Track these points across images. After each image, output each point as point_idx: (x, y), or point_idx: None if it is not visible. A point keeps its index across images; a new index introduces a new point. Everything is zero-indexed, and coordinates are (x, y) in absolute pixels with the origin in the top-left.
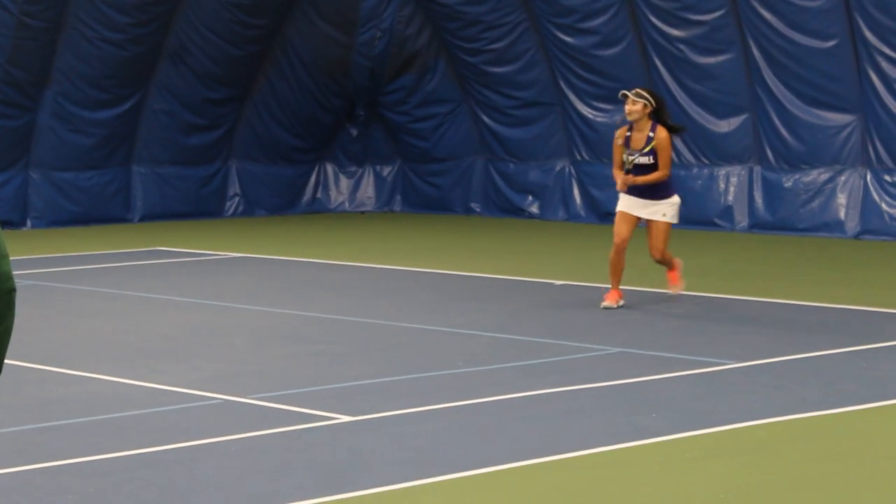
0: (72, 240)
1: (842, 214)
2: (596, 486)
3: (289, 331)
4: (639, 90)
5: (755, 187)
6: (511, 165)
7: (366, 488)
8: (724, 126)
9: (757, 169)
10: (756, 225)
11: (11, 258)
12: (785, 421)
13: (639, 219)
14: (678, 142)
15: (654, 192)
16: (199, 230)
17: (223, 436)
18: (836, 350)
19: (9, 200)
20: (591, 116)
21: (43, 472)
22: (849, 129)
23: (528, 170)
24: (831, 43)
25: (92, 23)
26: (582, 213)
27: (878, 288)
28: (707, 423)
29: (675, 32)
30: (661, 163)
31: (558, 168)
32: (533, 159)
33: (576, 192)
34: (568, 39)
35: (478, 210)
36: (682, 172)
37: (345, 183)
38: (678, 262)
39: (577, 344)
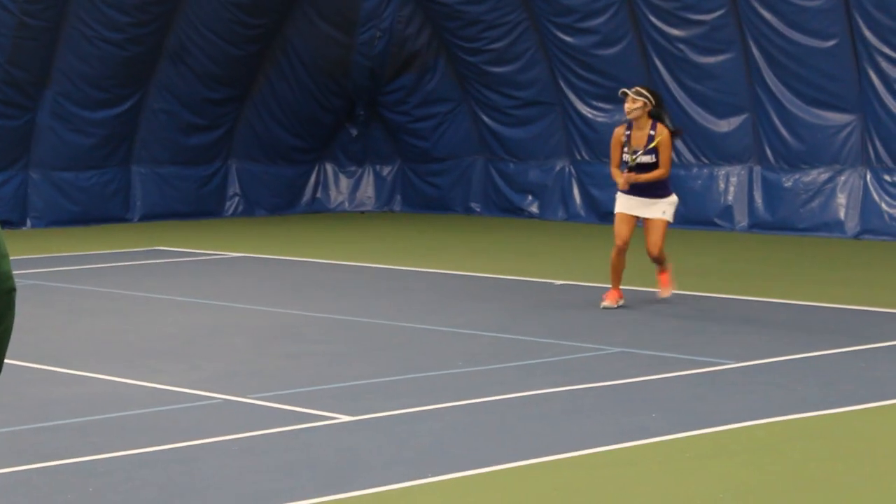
0: (71, 239)
1: (841, 214)
2: (596, 485)
3: (289, 330)
4: (638, 88)
5: (755, 187)
6: (511, 165)
7: (365, 488)
8: (724, 126)
9: (757, 169)
10: (756, 225)
11: (11, 258)
12: (784, 421)
13: (637, 218)
14: (678, 141)
15: (653, 190)
16: (199, 230)
17: (223, 435)
18: (836, 350)
19: (8, 200)
20: (590, 116)
21: (43, 472)
22: (848, 129)
23: (528, 169)
24: (831, 43)
25: (92, 22)
26: (582, 212)
27: (877, 288)
28: (706, 422)
29: (675, 32)
30: (661, 161)
31: (558, 168)
32: (533, 159)
33: (575, 191)
34: (568, 39)
35: (477, 210)
36: (682, 172)
37: (345, 183)
38: (670, 265)
39: (577, 344)
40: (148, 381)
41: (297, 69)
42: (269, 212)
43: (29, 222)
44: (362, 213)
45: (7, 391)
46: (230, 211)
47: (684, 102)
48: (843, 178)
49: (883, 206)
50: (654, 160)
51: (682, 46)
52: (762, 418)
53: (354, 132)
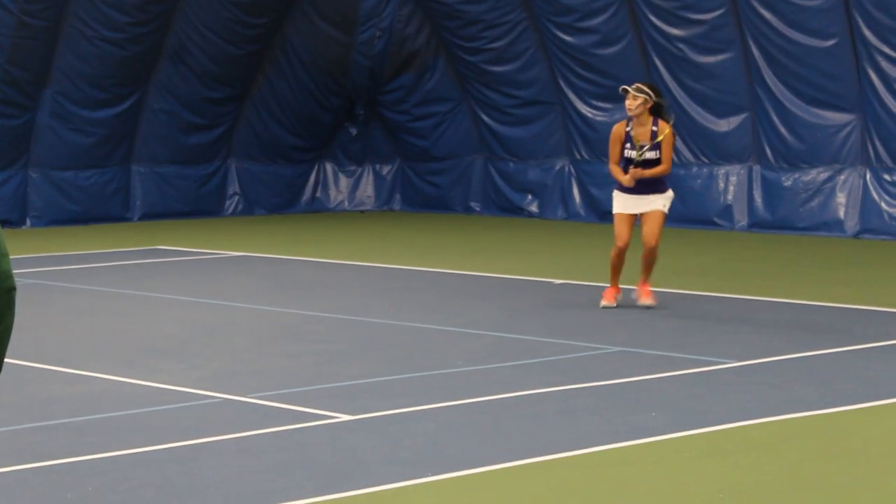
0: (71, 239)
1: (841, 213)
2: (593, 485)
3: (288, 330)
4: (639, 85)
5: (755, 186)
6: (510, 164)
7: (364, 487)
8: (724, 125)
9: (756, 168)
10: (755, 224)
11: (11, 257)
12: (781, 420)
13: (636, 216)
14: (678, 141)
15: (653, 186)
16: (199, 229)
17: (222, 435)
18: (834, 349)
19: (8, 199)
20: (590, 115)
21: (42, 471)
22: (848, 129)
23: (528, 169)
24: (831, 42)
25: (92, 22)
26: (581, 211)
27: (877, 287)
28: (704, 422)
29: (675, 31)
30: (664, 157)
31: (558, 167)
32: (532, 158)
33: (575, 191)
34: (567, 38)
35: (477, 209)
36: (682, 171)
37: (344, 182)
38: (650, 280)
39: (576, 343)
40: (147, 381)
41: (296, 68)
42: (269, 211)
43: (28, 221)
44: (362, 212)
45: (6, 390)
46: (230, 210)
47: (684, 102)
48: (842, 177)
49: (882, 205)
50: (656, 156)
51: (681, 46)
52: (759, 418)
53: (354, 131)
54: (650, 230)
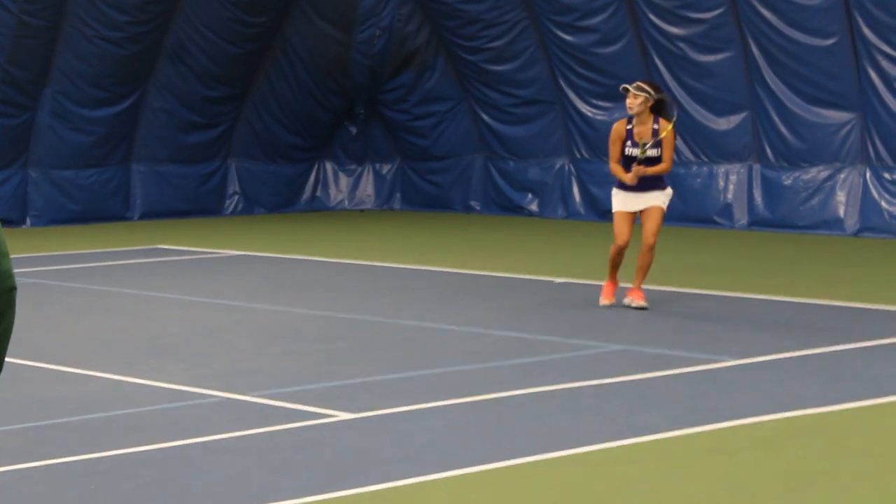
0: (71, 238)
1: (841, 212)
2: (595, 483)
3: (289, 329)
4: (640, 83)
5: (755, 185)
6: (510, 163)
7: (366, 486)
8: (724, 124)
9: (756, 167)
10: (755, 223)
11: (11, 256)
12: (783, 418)
13: (635, 215)
14: (678, 140)
15: (653, 183)
16: (199, 228)
17: (222, 433)
18: (835, 347)
19: (8, 199)
20: (590, 114)
21: (43, 471)
22: (848, 127)
23: (528, 168)
24: (831, 41)
25: (91, 21)
26: (581, 210)
27: (877, 285)
28: (706, 420)
29: (675, 30)
30: (665, 155)
31: (558, 166)
32: (532, 157)
33: (575, 189)
34: (567, 37)
35: (477, 208)
36: (682, 170)
37: (344, 181)
38: (643, 289)
39: (577, 341)
40: (148, 380)
41: (296, 68)
42: (269, 210)
43: (29, 221)
44: (362, 211)
45: (7, 390)
46: (230, 209)
47: (684, 101)
48: (842, 175)
49: (882, 203)
50: (658, 154)
51: (681, 45)
52: (760, 416)
53: (354, 130)
54: (650, 228)
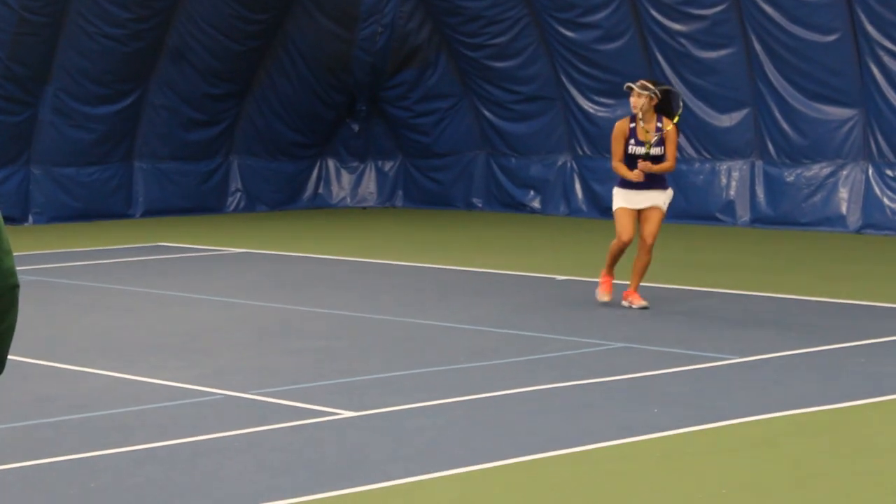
0: (73, 235)
1: (843, 209)
2: (597, 480)
3: (291, 326)
4: (643, 82)
5: (757, 182)
6: (512, 160)
7: (369, 483)
8: (726, 120)
9: (759, 163)
10: (758, 219)
11: (13, 254)
12: (785, 416)
13: (637, 211)
14: (680, 137)
15: (656, 182)
16: (201, 226)
17: (225, 431)
18: (837, 345)
19: (10, 196)
20: (592, 111)
21: (44, 468)
22: (850, 124)
23: (530, 164)
24: (833, 37)
25: (93, 18)
26: (583, 207)
27: (879, 282)
28: (708, 418)
29: (677, 27)
30: (668, 154)
31: (560, 163)
32: (534, 154)
33: (577, 186)
34: (569, 34)
35: (479, 205)
36: (684, 167)
37: (346, 178)
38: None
39: (579, 339)
40: (149, 378)
41: (297, 64)
42: (271, 207)
43: (30, 218)
44: (364, 208)
45: (9, 387)
46: (232, 206)
47: (686, 97)
48: (844, 172)
49: (885, 200)
50: (662, 152)
51: (683, 41)
52: (763, 413)
53: (356, 127)
54: (649, 229)
